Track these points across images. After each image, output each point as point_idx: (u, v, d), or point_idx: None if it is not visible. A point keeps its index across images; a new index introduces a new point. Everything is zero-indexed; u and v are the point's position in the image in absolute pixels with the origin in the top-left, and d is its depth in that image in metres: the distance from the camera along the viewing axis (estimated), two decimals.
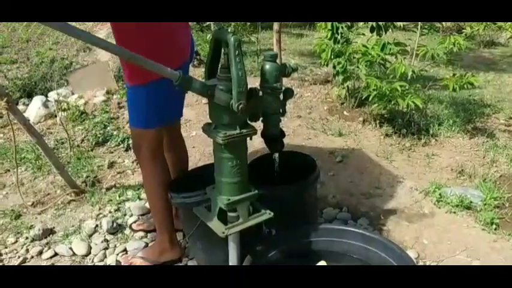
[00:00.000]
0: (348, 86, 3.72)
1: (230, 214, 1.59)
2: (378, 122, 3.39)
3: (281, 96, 1.59)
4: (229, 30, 5.44)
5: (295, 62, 5.48)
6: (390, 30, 3.43)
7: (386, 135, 3.25)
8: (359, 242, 1.79)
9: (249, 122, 1.55)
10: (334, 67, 3.67)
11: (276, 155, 1.79)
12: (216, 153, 1.53)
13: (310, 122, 3.51)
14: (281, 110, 1.62)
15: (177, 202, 1.80)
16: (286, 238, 1.82)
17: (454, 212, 2.30)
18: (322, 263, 1.69)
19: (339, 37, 3.58)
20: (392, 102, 3.13)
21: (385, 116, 3.47)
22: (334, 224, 2.14)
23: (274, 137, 1.64)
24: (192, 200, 1.73)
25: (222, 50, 1.44)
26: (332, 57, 3.46)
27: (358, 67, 3.52)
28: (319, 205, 2.40)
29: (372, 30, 3.42)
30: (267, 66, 1.53)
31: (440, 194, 2.40)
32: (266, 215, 1.63)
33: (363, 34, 3.65)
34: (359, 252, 1.78)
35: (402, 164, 2.86)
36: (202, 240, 1.85)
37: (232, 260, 1.68)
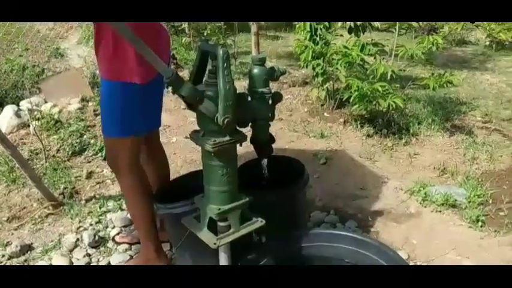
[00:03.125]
0: (327, 88, 3.71)
1: (220, 224, 1.54)
2: (358, 122, 3.40)
3: (270, 101, 1.56)
4: (205, 33, 5.40)
5: (273, 65, 5.46)
6: (368, 31, 3.45)
7: (368, 135, 3.26)
8: (351, 245, 1.77)
9: (238, 128, 1.52)
10: (313, 68, 3.66)
11: (265, 160, 1.75)
12: (204, 161, 1.48)
13: (292, 125, 3.49)
14: (270, 115, 1.58)
15: (163, 213, 1.74)
16: (277, 245, 1.78)
17: (440, 211, 2.31)
18: None
19: (317, 38, 3.57)
20: (373, 103, 3.14)
21: (366, 116, 3.48)
22: (324, 229, 2.11)
23: (264, 142, 1.60)
24: (179, 210, 1.68)
25: (209, 61, 1.39)
26: (311, 59, 3.44)
27: (337, 68, 3.52)
28: (307, 209, 2.37)
29: (350, 31, 3.43)
30: (255, 70, 1.49)
31: (425, 193, 2.41)
32: (258, 223, 1.59)
33: (341, 35, 3.66)
34: (351, 256, 1.75)
35: (385, 164, 2.87)
36: (191, 251, 1.79)
37: None
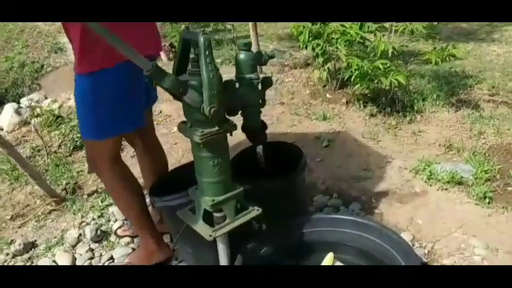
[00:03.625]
0: (328, 68, 3.63)
1: (216, 215, 1.51)
2: (361, 102, 3.33)
3: (259, 86, 1.52)
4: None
5: (274, 47, 5.39)
6: None
7: (371, 115, 3.20)
8: (353, 229, 1.73)
9: (227, 116, 1.48)
10: (313, 49, 3.58)
11: (260, 147, 1.71)
12: (194, 153, 1.44)
13: (294, 108, 3.43)
14: (260, 101, 1.54)
15: (159, 206, 1.72)
16: (278, 232, 1.75)
17: (446, 189, 2.26)
18: (330, 255, 1.63)
19: None
20: (375, 81, 3.06)
21: (369, 95, 3.41)
22: (326, 213, 2.07)
23: (255, 129, 1.57)
24: (175, 202, 1.65)
25: (191, 50, 1.34)
26: (310, 39, 3.36)
27: (337, 48, 3.44)
28: (309, 193, 2.34)
29: None
30: (241, 55, 1.44)
31: (430, 171, 2.35)
32: (254, 211, 1.56)
33: None
34: (354, 240, 1.72)
35: (389, 143, 2.81)
36: (190, 243, 1.77)
37: (223, 261, 1.61)
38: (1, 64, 4.73)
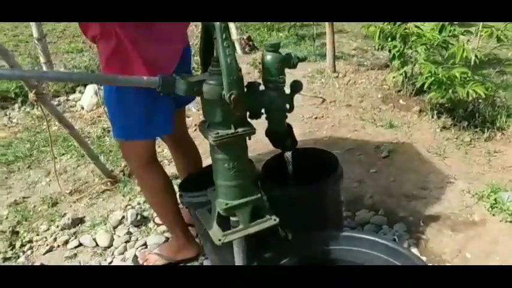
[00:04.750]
0: (405, 72, 3.38)
1: (232, 219, 1.48)
2: (435, 112, 3.05)
3: (287, 90, 1.43)
4: None
5: (357, 45, 5.15)
6: None
7: (444, 127, 2.91)
8: (381, 253, 1.59)
9: (249, 120, 1.42)
10: (389, 51, 3.37)
11: (289, 153, 1.63)
12: (211, 154, 1.41)
13: (360, 112, 3.25)
14: (288, 106, 1.46)
15: (185, 201, 1.72)
16: (300, 245, 1.67)
17: (511, 221, 1.98)
18: None
19: None
20: (450, 91, 2.78)
21: (446, 105, 3.11)
22: (357, 232, 1.92)
23: (279, 135, 1.49)
24: (199, 200, 1.64)
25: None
26: (388, 39, 3.15)
27: (416, 51, 3.18)
28: (353, 206, 2.20)
29: None
30: (268, 57, 1.37)
31: (495, 199, 2.08)
32: (271, 221, 1.49)
33: None
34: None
35: (457, 161, 2.54)
36: (211, 240, 1.75)
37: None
38: (94, 46, 5.10)
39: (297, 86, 1.45)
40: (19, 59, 4.83)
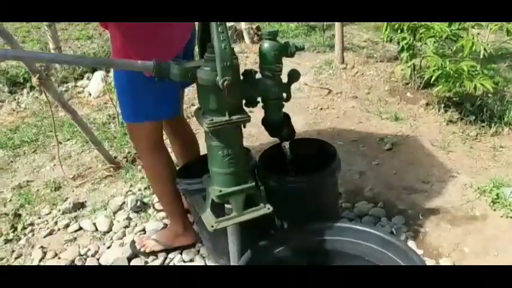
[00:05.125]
0: (413, 65, 3.34)
1: (227, 206, 1.48)
2: (442, 106, 3.00)
3: (284, 79, 1.42)
4: None
5: (368, 37, 5.08)
6: None
7: (450, 121, 2.87)
8: (377, 245, 1.58)
9: (245, 107, 1.41)
10: (398, 43, 3.32)
11: (286, 143, 1.62)
12: (206, 141, 1.41)
13: (366, 104, 3.22)
14: (285, 95, 1.45)
15: (181, 188, 1.72)
16: (296, 235, 1.66)
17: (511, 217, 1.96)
18: None
19: None
20: (457, 84, 2.74)
21: (454, 99, 3.07)
22: (352, 223, 1.91)
23: (275, 124, 1.48)
24: (194, 187, 1.64)
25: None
26: (392, 31, 3.11)
27: (426, 43, 3.13)
28: (353, 198, 2.19)
29: None
30: (266, 44, 1.36)
31: (497, 194, 2.05)
32: (264, 209, 1.49)
33: None
34: (374, 256, 1.57)
35: (461, 155, 2.50)
36: (207, 229, 1.76)
37: (233, 254, 1.57)
38: (105, 34, 5.12)
39: (294, 75, 1.43)
40: (30, 44, 4.88)
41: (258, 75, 1.40)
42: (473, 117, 2.84)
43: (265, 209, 1.48)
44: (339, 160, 1.73)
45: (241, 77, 1.37)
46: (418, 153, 2.55)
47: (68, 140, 3.06)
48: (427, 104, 3.13)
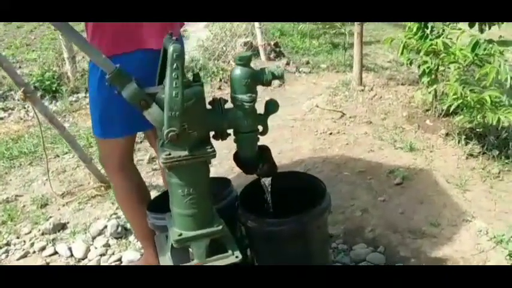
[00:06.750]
0: (435, 90, 3.09)
1: (191, 250, 1.31)
2: (463, 137, 2.74)
3: (258, 110, 1.25)
4: None
5: (393, 57, 4.85)
6: (497, 24, 2.74)
7: (471, 155, 2.61)
8: None
9: (213, 140, 1.24)
10: (419, 66, 3.09)
11: (267, 179, 1.44)
12: (166, 177, 1.24)
13: (380, 131, 2.99)
14: (260, 128, 1.27)
15: (149, 223, 1.56)
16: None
17: None
18: None
19: (428, 31, 2.98)
20: (479, 116, 2.48)
21: (477, 130, 2.80)
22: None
23: (247, 160, 1.30)
24: (162, 223, 1.47)
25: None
26: (411, 52, 2.89)
27: (449, 67, 2.90)
28: (351, 239, 1.98)
29: (471, 25, 2.76)
30: (236, 71, 1.20)
31: None
32: (232, 257, 1.30)
33: (459, 29, 2.98)
34: None
35: (479, 196, 2.24)
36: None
37: None
38: None
39: (271, 106, 1.26)
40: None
41: (230, 105, 1.24)
42: (497, 152, 2.57)
43: (233, 257, 1.30)
44: (328, 199, 1.53)
45: (209, 106, 1.21)
46: (430, 190, 2.30)
47: (66, 153, 2.97)
48: (447, 134, 2.88)
